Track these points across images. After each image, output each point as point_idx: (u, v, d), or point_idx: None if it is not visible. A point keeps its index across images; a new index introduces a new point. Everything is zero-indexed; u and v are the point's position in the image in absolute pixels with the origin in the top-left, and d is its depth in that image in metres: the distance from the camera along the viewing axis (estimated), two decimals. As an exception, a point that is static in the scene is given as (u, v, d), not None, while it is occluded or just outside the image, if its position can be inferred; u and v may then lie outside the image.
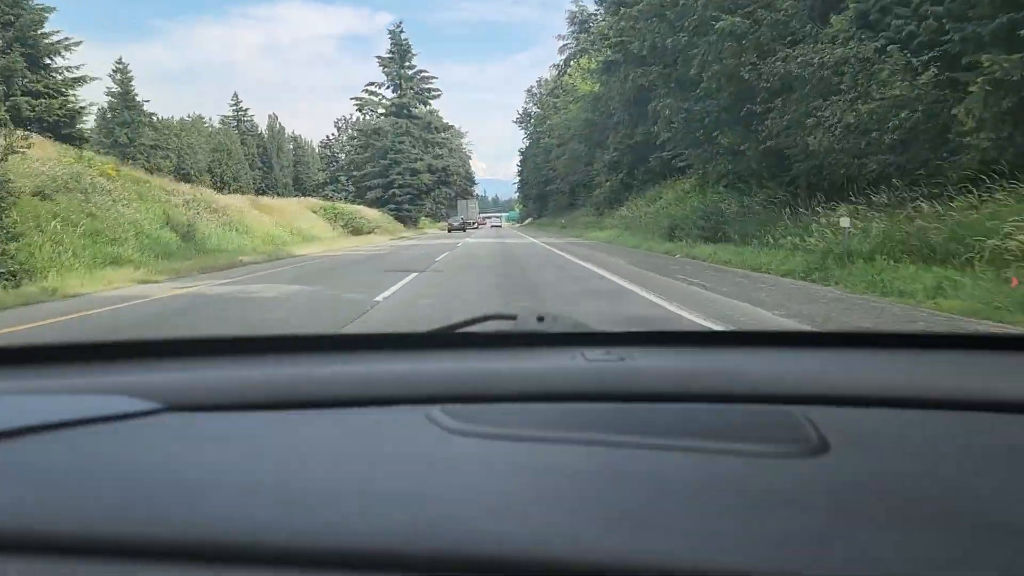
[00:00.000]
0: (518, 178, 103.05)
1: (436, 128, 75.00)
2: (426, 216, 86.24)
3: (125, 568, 0.52)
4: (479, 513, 0.57)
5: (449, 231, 57.24)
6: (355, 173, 76.49)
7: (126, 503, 0.59)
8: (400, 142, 70.49)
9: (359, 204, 62.28)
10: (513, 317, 1.15)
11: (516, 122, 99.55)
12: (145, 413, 0.79)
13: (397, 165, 69.86)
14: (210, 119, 71.29)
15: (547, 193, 77.74)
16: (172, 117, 58.34)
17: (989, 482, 0.65)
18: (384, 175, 69.92)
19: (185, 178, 40.65)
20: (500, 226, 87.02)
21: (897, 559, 0.51)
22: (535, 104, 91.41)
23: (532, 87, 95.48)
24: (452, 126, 78.01)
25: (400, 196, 69.53)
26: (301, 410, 0.81)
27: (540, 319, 1.11)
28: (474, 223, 76.75)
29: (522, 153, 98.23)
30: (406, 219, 70.27)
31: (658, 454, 0.68)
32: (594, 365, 0.91)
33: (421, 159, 71.67)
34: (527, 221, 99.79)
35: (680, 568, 0.50)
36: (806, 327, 5.86)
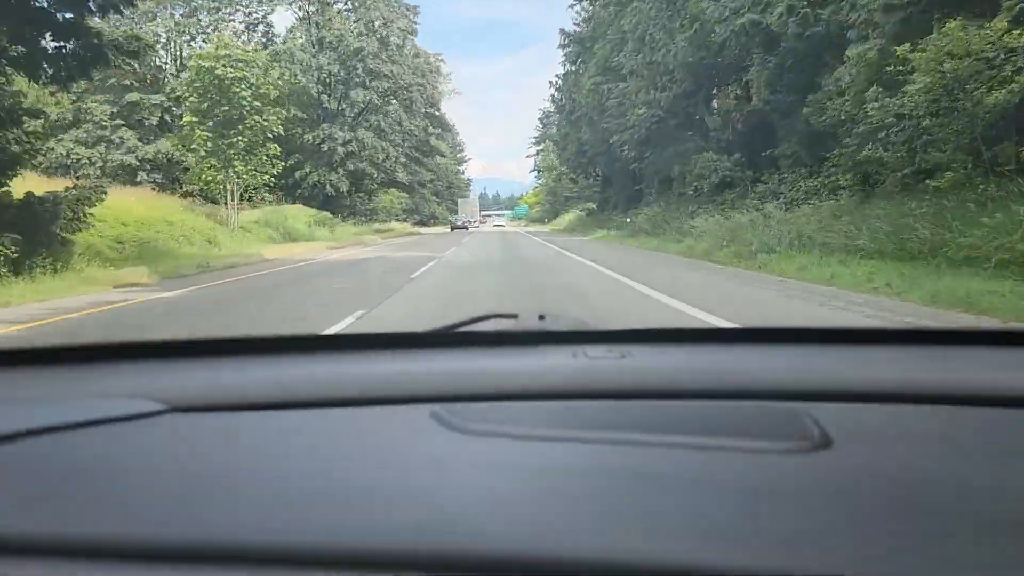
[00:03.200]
0: (535, 149, 69.55)
1: None
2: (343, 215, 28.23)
3: (130, 570, 0.52)
4: (483, 511, 0.57)
5: (452, 230, 56.57)
6: None
7: (130, 504, 0.60)
8: None
9: None
10: (514, 316, 1.14)
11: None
12: (148, 414, 0.79)
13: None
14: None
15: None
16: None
17: (992, 477, 0.65)
18: None
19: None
20: (503, 226, 74.22)
21: (900, 555, 0.51)
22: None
23: None
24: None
25: None
26: (304, 410, 0.81)
27: (541, 318, 1.11)
28: (475, 222, 72.82)
29: (568, 57, 36.70)
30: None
31: (660, 451, 0.68)
32: (596, 363, 0.91)
33: None
34: (561, 223, 55.86)
35: (684, 565, 0.50)
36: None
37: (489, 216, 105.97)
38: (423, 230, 61.95)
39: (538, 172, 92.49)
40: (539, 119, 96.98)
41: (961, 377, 0.87)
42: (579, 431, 0.73)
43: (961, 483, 0.62)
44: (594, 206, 47.75)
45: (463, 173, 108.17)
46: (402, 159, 44.74)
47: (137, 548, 0.53)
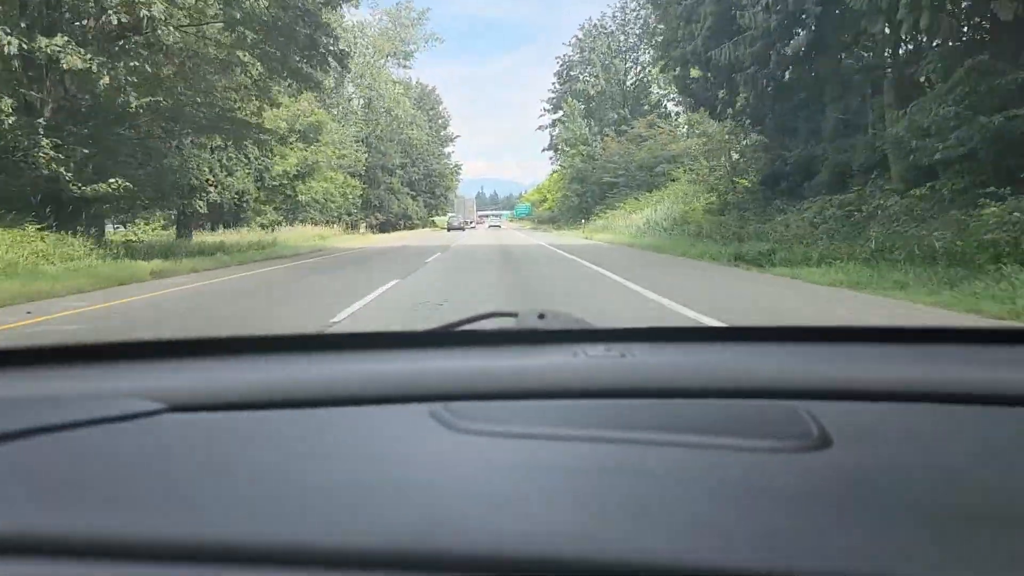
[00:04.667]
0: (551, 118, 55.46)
1: None
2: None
3: (128, 570, 0.52)
4: (483, 510, 0.57)
5: (449, 230, 56.85)
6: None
7: (128, 504, 0.60)
8: None
9: None
10: (514, 315, 1.15)
11: None
12: (146, 414, 0.79)
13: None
14: None
15: None
16: None
17: (992, 475, 0.65)
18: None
19: None
20: (499, 226, 72.57)
21: (900, 554, 0.51)
22: None
23: None
24: None
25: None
26: (303, 409, 0.81)
27: (541, 316, 1.12)
28: (471, 222, 70.98)
29: None
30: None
31: (660, 450, 0.69)
32: (595, 362, 0.92)
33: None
34: (624, 229, 29.71)
35: (683, 564, 0.50)
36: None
37: (486, 216, 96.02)
38: (366, 243, 33.92)
39: (555, 150, 64.58)
40: (556, 74, 69.10)
41: (962, 375, 0.87)
42: (579, 430, 0.73)
43: (961, 481, 0.63)
44: (755, 182, 19.79)
45: (448, 157, 79.80)
46: (246, 55, 16.35)
47: (135, 548, 0.53)
